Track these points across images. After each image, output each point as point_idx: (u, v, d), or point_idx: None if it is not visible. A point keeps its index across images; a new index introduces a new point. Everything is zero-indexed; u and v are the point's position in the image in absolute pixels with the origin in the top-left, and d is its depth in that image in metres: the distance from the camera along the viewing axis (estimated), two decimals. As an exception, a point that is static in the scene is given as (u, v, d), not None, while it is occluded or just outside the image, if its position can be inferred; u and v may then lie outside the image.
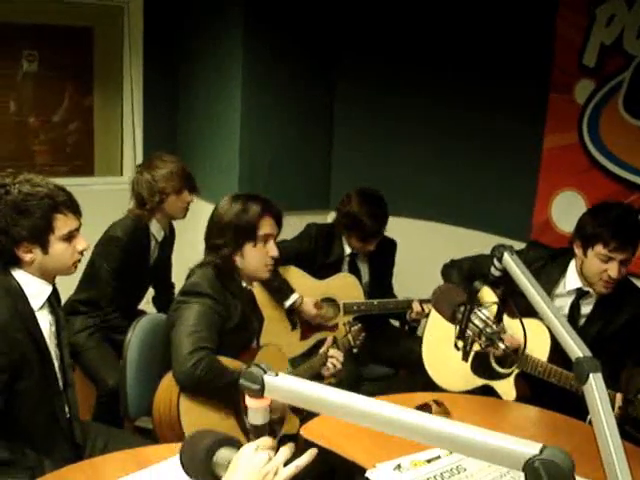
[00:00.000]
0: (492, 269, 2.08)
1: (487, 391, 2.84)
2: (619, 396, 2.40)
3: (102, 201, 4.07)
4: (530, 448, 0.98)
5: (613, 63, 3.48)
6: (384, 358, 3.73)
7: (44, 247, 2.10)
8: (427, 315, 3.38)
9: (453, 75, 4.20)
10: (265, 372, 1.21)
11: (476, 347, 2.48)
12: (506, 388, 2.80)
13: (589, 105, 3.60)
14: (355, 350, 3.20)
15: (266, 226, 2.63)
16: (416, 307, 3.53)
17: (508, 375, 2.78)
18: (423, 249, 4.13)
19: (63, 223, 2.12)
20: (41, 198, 2.08)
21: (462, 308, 2.09)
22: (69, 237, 2.15)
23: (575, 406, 2.27)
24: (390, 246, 3.81)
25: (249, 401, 1.23)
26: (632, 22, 3.39)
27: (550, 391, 2.69)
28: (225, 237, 2.59)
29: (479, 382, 2.88)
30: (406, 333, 3.86)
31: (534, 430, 2.49)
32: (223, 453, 1.29)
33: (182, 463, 1.33)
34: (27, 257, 2.09)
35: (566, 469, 0.96)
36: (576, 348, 1.64)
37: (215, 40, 4.63)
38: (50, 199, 2.10)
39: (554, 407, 2.53)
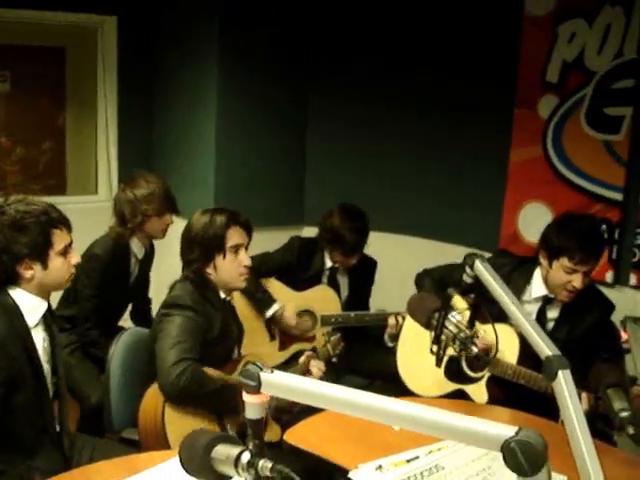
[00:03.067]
0: (464, 276, 2.18)
1: (460, 395, 2.93)
2: (585, 395, 2.51)
3: (77, 220, 4.10)
4: (507, 430, 1.07)
5: (575, 79, 3.63)
6: (360, 369, 3.79)
7: (44, 262, 2.17)
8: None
9: (423, 93, 4.32)
10: (261, 369, 1.30)
11: (449, 352, 2.59)
12: (478, 392, 2.89)
13: (553, 119, 3.74)
14: (334, 360, 3.28)
15: (234, 237, 2.68)
16: (391, 321, 3.58)
17: (480, 379, 2.88)
18: (395, 262, 4.23)
19: (60, 238, 2.21)
20: (37, 215, 2.16)
21: (437, 314, 2.19)
22: (65, 252, 2.23)
23: (546, 408, 2.36)
24: (370, 265, 3.89)
25: (246, 397, 1.31)
26: (592, 40, 3.54)
27: (522, 394, 2.79)
28: (195, 251, 2.66)
29: (452, 387, 2.95)
30: (382, 345, 3.94)
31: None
32: (221, 449, 1.36)
33: (181, 460, 1.40)
34: (28, 274, 2.16)
35: (539, 449, 1.05)
36: (545, 347, 1.74)
37: (189, 58, 4.71)
38: (46, 215, 2.18)
39: (526, 409, 2.62)
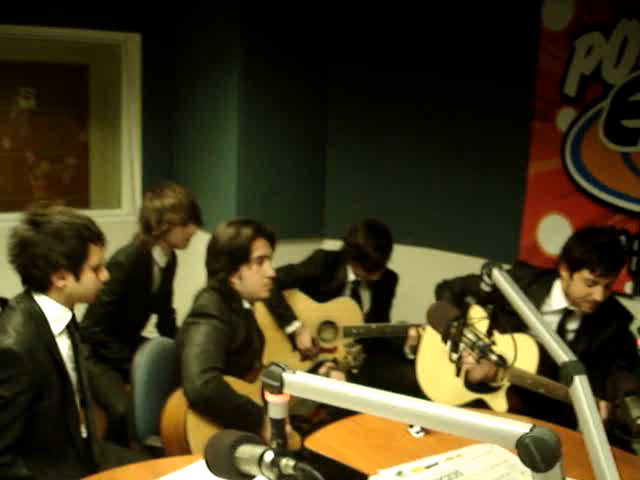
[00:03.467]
0: (482, 285, 2.21)
1: (480, 405, 2.96)
2: (603, 404, 2.52)
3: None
4: (521, 428, 1.11)
5: (592, 92, 3.65)
6: (381, 381, 3.81)
7: (77, 274, 2.23)
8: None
9: (443, 106, 4.38)
10: (284, 370, 1.34)
11: (470, 361, 2.62)
12: (497, 401, 2.92)
13: (571, 132, 3.76)
14: (355, 371, 3.31)
15: (259, 248, 2.76)
16: (412, 333, 3.59)
17: (499, 388, 2.91)
18: (416, 274, 4.26)
19: (95, 253, 2.27)
20: (79, 228, 2.23)
21: (455, 323, 2.22)
22: (97, 267, 2.29)
23: (567, 418, 2.38)
24: (392, 278, 3.93)
25: (269, 397, 1.36)
26: (609, 53, 3.56)
27: (542, 404, 2.81)
28: (221, 261, 2.73)
29: (472, 396, 3.00)
30: (403, 357, 3.96)
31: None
32: (245, 448, 1.40)
33: (206, 461, 1.44)
34: (60, 283, 2.22)
35: (553, 445, 1.09)
36: (562, 353, 1.77)
37: (211, 73, 4.80)
38: (87, 230, 2.25)
39: (547, 419, 2.63)
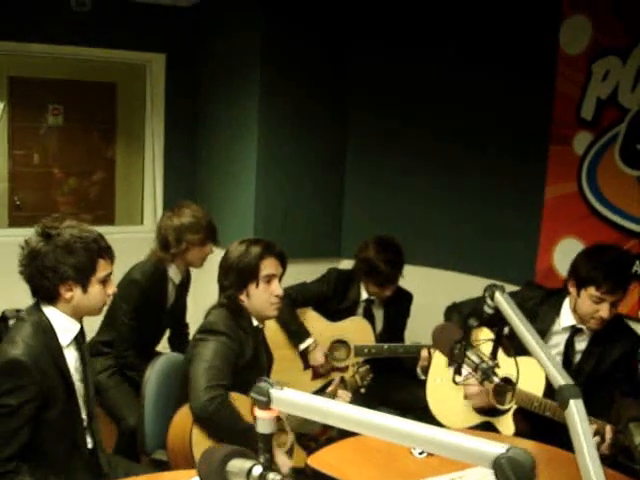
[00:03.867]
0: (485, 307, 2.22)
1: (488, 427, 2.96)
2: (608, 427, 2.51)
3: (123, 249, 4.22)
4: (498, 448, 1.12)
5: (609, 116, 3.65)
6: (394, 401, 3.82)
7: (85, 287, 2.29)
8: None
9: (462, 130, 4.40)
10: (272, 386, 1.38)
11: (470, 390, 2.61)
12: (505, 424, 2.91)
13: (587, 156, 3.76)
14: (362, 390, 3.32)
15: (268, 267, 2.77)
16: (424, 354, 3.57)
17: (506, 411, 2.91)
18: (431, 296, 4.26)
19: (103, 267, 2.33)
20: (89, 242, 2.29)
21: (459, 345, 2.24)
22: (104, 280, 2.35)
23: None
24: (406, 298, 3.94)
25: (258, 412, 1.39)
26: (626, 77, 3.56)
27: (550, 427, 2.80)
28: (230, 278, 2.77)
29: (479, 419, 3.00)
30: (416, 378, 3.96)
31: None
32: (235, 462, 1.43)
33: (199, 474, 1.47)
34: (68, 295, 2.27)
35: (528, 466, 1.10)
36: (559, 376, 1.78)
37: (231, 94, 4.88)
38: (96, 244, 2.32)
39: (555, 442, 2.63)
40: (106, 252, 2.36)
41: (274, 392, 1.37)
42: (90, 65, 5.26)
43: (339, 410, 1.31)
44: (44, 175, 5.38)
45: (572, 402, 1.71)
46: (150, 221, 5.39)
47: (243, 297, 2.77)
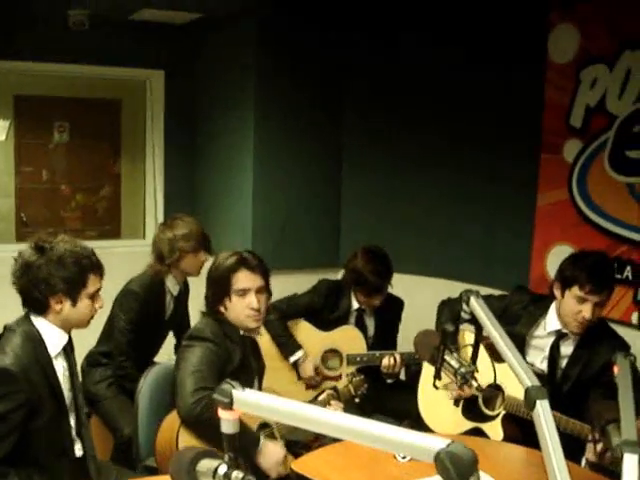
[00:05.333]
0: (462, 312, 2.27)
1: (477, 433, 2.99)
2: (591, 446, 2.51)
3: (126, 262, 4.29)
4: (439, 443, 1.17)
5: (598, 123, 3.68)
6: (388, 409, 3.85)
7: (74, 300, 2.37)
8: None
9: (455, 141, 4.45)
10: (234, 387, 1.43)
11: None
12: (494, 429, 2.95)
13: (577, 163, 3.79)
14: (357, 400, 3.35)
15: (240, 281, 2.76)
16: (385, 362, 3.64)
17: (495, 417, 2.95)
18: (425, 305, 4.30)
19: (93, 282, 2.41)
20: (81, 257, 2.37)
21: (436, 351, 2.29)
22: (93, 296, 2.42)
23: (568, 448, 2.40)
24: (397, 304, 3.99)
25: (221, 413, 1.44)
26: (613, 85, 3.60)
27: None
28: (209, 290, 2.83)
29: (469, 425, 3.03)
30: (409, 385, 3.99)
31: (519, 466, 2.64)
32: (204, 462, 1.49)
33: (171, 475, 1.53)
34: (57, 307, 2.35)
35: (467, 460, 1.15)
36: (526, 378, 1.83)
37: (228, 109, 4.97)
38: (88, 259, 2.39)
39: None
40: (97, 268, 2.43)
41: (236, 393, 1.42)
42: (94, 82, 5.35)
43: (299, 410, 1.36)
44: (51, 191, 5.45)
45: (538, 403, 1.75)
46: (152, 235, 5.45)
47: (222, 309, 2.80)
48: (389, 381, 3.69)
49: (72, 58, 4.97)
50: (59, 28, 4.80)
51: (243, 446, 2.55)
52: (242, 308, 2.76)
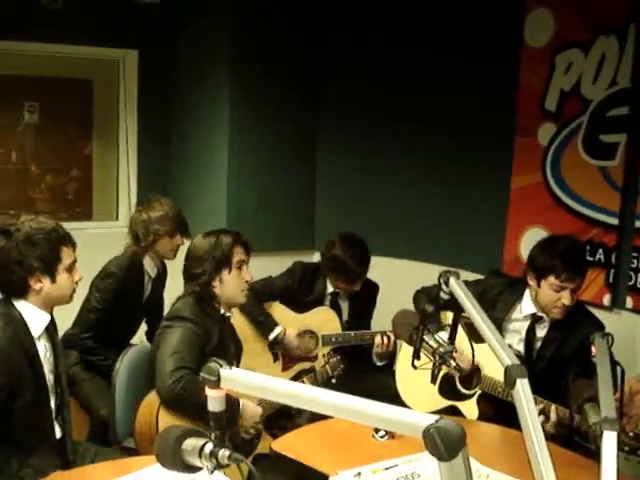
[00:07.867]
0: (441, 293, 2.29)
1: (453, 411, 3.03)
2: (554, 407, 2.63)
3: (99, 244, 4.26)
4: (428, 419, 1.18)
5: (572, 107, 3.72)
6: (361, 389, 3.85)
7: (53, 276, 2.35)
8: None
9: (429, 124, 4.46)
10: (221, 366, 1.44)
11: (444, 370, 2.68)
12: (469, 408, 2.99)
13: (551, 147, 3.83)
14: (334, 380, 3.38)
15: (238, 254, 2.93)
16: (377, 340, 3.66)
17: (471, 396, 2.98)
18: (399, 286, 4.33)
19: (67, 254, 2.39)
20: (49, 232, 2.35)
21: (415, 330, 2.30)
22: (70, 268, 2.40)
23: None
24: (372, 289, 4.00)
25: (208, 391, 1.45)
26: (588, 69, 3.63)
27: (513, 411, 2.86)
28: (203, 267, 2.87)
29: (445, 403, 3.07)
30: (382, 366, 4.02)
31: (498, 445, 2.69)
32: (190, 441, 1.49)
33: (156, 454, 1.53)
34: (37, 286, 2.33)
35: (456, 435, 1.16)
36: (506, 357, 1.85)
37: (203, 90, 4.94)
38: (55, 233, 2.37)
39: (516, 425, 2.69)
40: (68, 240, 2.41)
41: (223, 372, 1.42)
42: (65, 62, 5.26)
43: (288, 388, 1.37)
44: (20, 172, 5.38)
45: (518, 381, 1.78)
46: (125, 216, 5.40)
47: (215, 284, 2.88)
48: (379, 364, 3.70)
49: (43, 37, 4.89)
50: (30, 6, 4.72)
51: (230, 414, 2.57)
52: (239, 281, 2.92)
